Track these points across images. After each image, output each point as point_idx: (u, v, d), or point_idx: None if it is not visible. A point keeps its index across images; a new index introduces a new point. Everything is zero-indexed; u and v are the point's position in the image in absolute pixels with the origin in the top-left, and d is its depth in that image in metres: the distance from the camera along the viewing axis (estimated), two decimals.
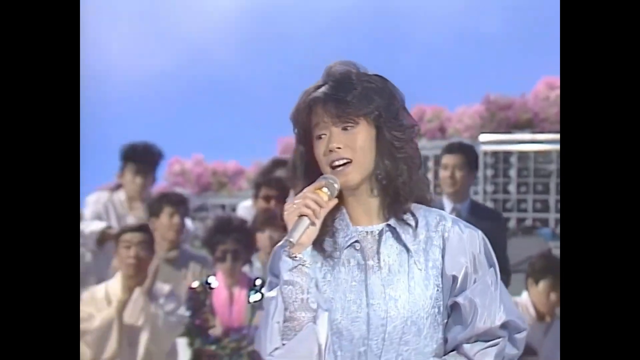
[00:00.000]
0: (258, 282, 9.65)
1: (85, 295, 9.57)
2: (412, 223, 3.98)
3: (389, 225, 3.94)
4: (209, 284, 9.69)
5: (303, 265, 3.82)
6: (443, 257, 3.93)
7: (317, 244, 3.95)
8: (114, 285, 9.56)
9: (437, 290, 3.96)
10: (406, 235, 3.94)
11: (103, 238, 10.98)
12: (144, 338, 9.56)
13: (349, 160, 3.83)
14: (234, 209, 11.62)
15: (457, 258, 3.94)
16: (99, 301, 9.54)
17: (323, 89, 3.99)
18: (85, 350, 9.39)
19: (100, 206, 11.58)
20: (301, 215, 3.79)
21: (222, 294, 9.56)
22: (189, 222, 11.71)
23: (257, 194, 11.74)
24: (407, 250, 3.95)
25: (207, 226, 10.71)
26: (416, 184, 4.01)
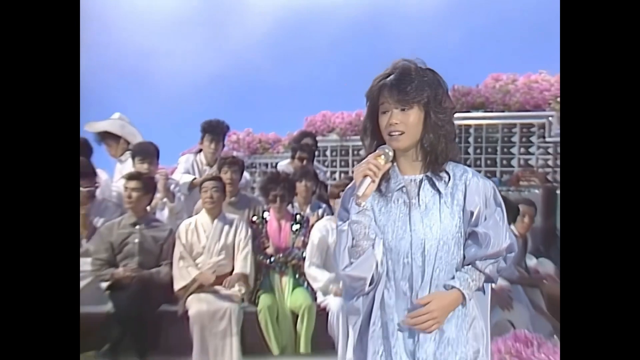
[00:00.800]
0: (298, 217, 10.05)
1: (181, 226, 9.60)
2: (444, 176, 4.12)
3: (427, 176, 4.09)
4: (264, 218, 9.94)
5: (366, 209, 3.99)
6: (464, 198, 4.07)
7: (377, 187, 4.09)
8: (201, 216, 9.65)
9: (460, 220, 4.13)
10: (439, 183, 4.08)
11: (191, 186, 10.85)
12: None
13: (402, 132, 3.95)
14: (275, 166, 11.74)
15: (474, 198, 4.10)
16: (191, 228, 9.54)
17: (390, 78, 4.07)
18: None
19: (188, 165, 11.40)
20: (365, 176, 3.92)
21: (273, 224, 9.81)
22: (246, 175, 11.57)
23: (293, 156, 11.65)
24: (439, 193, 4.11)
25: (262, 178, 11.15)
26: (451, 151, 4.16)
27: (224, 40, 19.42)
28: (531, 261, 10.67)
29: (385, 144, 4.07)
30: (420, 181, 4.08)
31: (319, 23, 18.47)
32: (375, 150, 4.07)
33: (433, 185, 4.08)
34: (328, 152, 12.58)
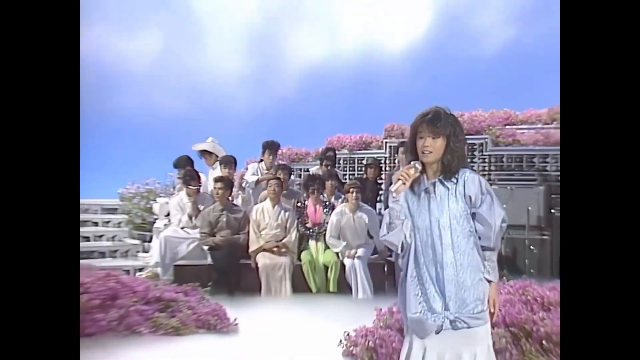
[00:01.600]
0: (326, 203, 10.20)
1: (253, 210, 9.98)
2: (453, 179, 4.32)
3: (439, 179, 4.29)
4: (305, 204, 10.19)
5: (398, 201, 4.27)
6: (464, 187, 4.29)
7: (410, 187, 4.36)
8: (266, 203, 9.88)
9: (463, 203, 4.29)
10: (448, 183, 4.29)
11: (256, 183, 11.03)
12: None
13: (431, 152, 4.22)
14: (307, 170, 12.15)
15: (470, 187, 4.31)
16: (259, 211, 9.87)
17: (428, 116, 4.33)
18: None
19: (254, 169, 11.44)
20: (398, 179, 4.24)
21: (311, 208, 10.07)
22: (292, 176, 11.54)
23: (321, 163, 11.62)
24: (448, 189, 4.29)
25: (303, 178, 11.22)
26: (460, 165, 4.39)
27: (271, 89, 19.46)
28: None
29: (418, 159, 4.39)
30: (434, 183, 4.34)
31: (335, 77, 18.67)
32: (409, 163, 4.37)
33: (443, 184, 4.34)
34: (341, 162, 13.06)
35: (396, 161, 10.40)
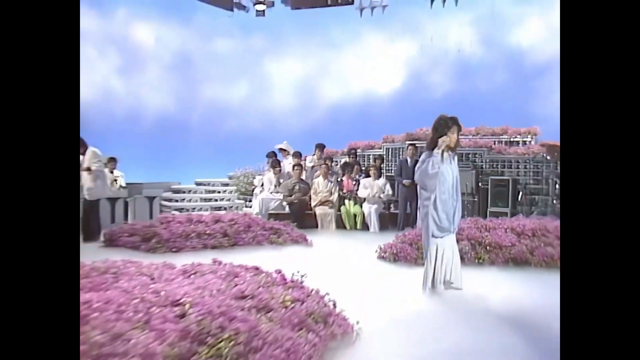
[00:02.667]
0: (354, 178, 10.41)
1: (314, 182, 10.16)
2: (455, 154, 4.56)
3: (448, 153, 4.51)
4: (342, 179, 10.42)
5: (435, 156, 4.43)
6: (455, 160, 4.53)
7: (441, 157, 4.52)
8: (319, 179, 9.98)
9: (456, 169, 4.59)
10: (452, 155, 4.56)
11: (312, 167, 11.04)
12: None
13: (451, 140, 4.45)
14: (339, 161, 12.39)
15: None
16: (316, 183, 10.03)
17: (452, 119, 4.58)
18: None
19: (311, 159, 11.46)
20: (443, 143, 4.48)
21: (346, 181, 10.33)
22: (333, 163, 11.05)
23: (348, 156, 11.51)
24: (454, 159, 4.57)
25: (341, 165, 11.19)
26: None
27: (311, 115, 19.60)
28: None
29: (432, 149, 4.59)
30: (449, 154, 4.58)
31: (349, 107, 18.75)
32: (430, 149, 4.58)
33: (453, 156, 4.62)
34: (357, 156, 13.26)
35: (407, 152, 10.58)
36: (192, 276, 3.40)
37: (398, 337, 3.30)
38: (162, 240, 6.90)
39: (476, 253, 6.12)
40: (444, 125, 4.54)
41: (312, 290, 3.49)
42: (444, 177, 4.62)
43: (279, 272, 3.68)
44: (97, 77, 16.49)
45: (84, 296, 2.88)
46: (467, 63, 17.31)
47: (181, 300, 2.85)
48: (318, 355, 2.71)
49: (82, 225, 7.69)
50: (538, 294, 4.53)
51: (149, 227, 7.20)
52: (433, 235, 4.58)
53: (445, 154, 4.60)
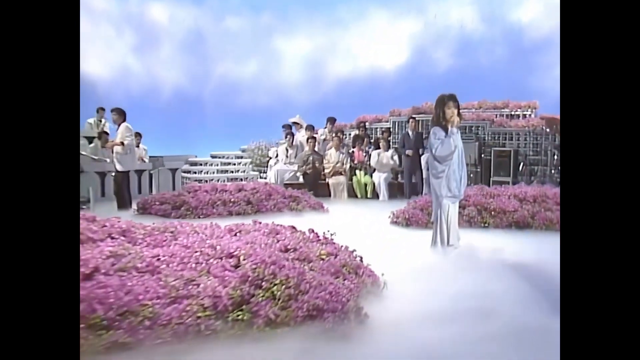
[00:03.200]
0: (365, 150, 10.75)
1: (327, 153, 10.49)
2: (458, 128, 4.74)
3: (457, 128, 4.74)
4: (353, 151, 10.73)
5: (453, 134, 4.69)
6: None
7: (445, 129, 4.77)
8: (332, 150, 10.26)
9: (460, 141, 4.79)
10: (457, 130, 4.76)
11: (324, 140, 11.29)
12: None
13: (452, 116, 4.70)
14: (350, 134, 12.57)
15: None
16: (329, 154, 10.34)
17: (450, 96, 4.83)
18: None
19: (322, 132, 11.58)
20: (454, 120, 4.74)
21: (356, 152, 10.64)
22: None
23: (358, 129, 11.75)
24: (459, 132, 4.81)
25: (352, 137, 11.56)
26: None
27: (323, 91, 19.68)
28: None
29: (437, 124, 4.86)
30: (454, 130, 4.79)
31: (358, 82, 18.87)
32: (435, 125, 4.84)
33: (456, 130, 4.81)
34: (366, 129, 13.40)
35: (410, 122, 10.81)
36: (238, 234, 3.75)
37: (419, 284, 3.67)
38: (190, 207, 7.27)
39: (482, 217, 6.47)
40: (442, 103, 4.84)
41: (342, 247, 3.85)
42: (456, 152, 4.96)
43: (312, 231, 4.03)
44: (115, 56, 16.74)
45: (151, 251, 3.25)
46: (469, 39, 17.46)
47: (235, 253, 3.21)
48: (354, 299, 3.07)
49: (116, 194, 8.08)
50: (538, 250, 4.86)
51: (177, 196, 7.56)
52: (445, 201, 4.90)
53: (451, 128, 4.89)
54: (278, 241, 3.53)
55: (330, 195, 10.09)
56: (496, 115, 12.32)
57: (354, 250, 3.88)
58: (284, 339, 2.69)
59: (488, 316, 3.14)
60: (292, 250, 3.41)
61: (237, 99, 18.99)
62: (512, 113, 12.47)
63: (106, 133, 10.28)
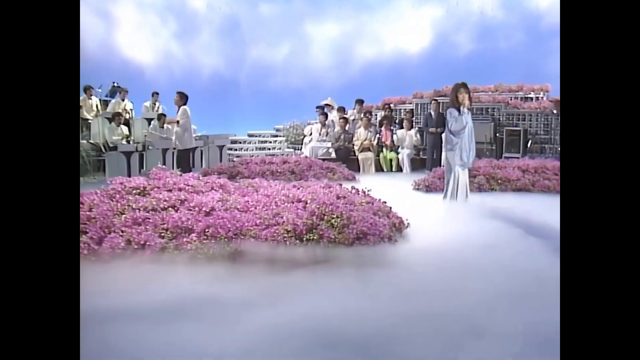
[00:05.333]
0: (391, 130, 11.73)
1: (356, 132, 11.57)
2: (469, 110, 5.88)
3: (468, 109, 5.84)
4: (381, 130, 11.69)
5: (463, 114, 5.88)
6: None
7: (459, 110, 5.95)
8: (361, 129, 11.27)
9: (470, 120, 6.02)
10: (468, 110, 5.86)
11: (353, 120, 12.09)
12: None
13: (464, 100, 5.86)
14: (377, 115, 13.53)
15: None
16: (358, 132, 11.37)
17: (463, 84, 5.93)
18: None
19: (351, 113, 12.42)
20: (465, 102, 5.94)
21: (383, 132, 11.61)
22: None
23: (384, 110, 12.61)
24: (471, 113, 5.97)
25: (380, 118, 12.63)
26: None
27: (351, 75, 20.69)
28: None
29: (452, 106, 6.07)
30: (466, 111, 5.96)
31: (384, 66, 19.69)
32: (451, 107, 6.10)
33: (467, 111, 5.96)
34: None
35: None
36: (300, 188, 5.13)
37: (436, 227, 5.04)
38: (244, 177, 8.63)
39: (490, 185, 7.75)
40: (455, 89, 6.13)
41: (376, 199, 5.21)
42: (467, 128, 6.26)
43: (353, 187, 5.40)
44: (159, 42, 18.12)
45: (245, 199, 4.65)
46: (489, 25, 18.38)
47: (303, 198, 4.62)
48: (387, 231, 4.44)
49: (180, 168, 9.51)
50: (532, 205, 6.26)
51: (233, 167, 8.96)
52: (456, 168, 6.23)
53: (463, 109, 6.17)
54: (332, 192, 4.90)
55: (359, 170, 11.16)
56: (511, 97, 13.38)
57: (385, 202, 5.24)
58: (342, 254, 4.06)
59: (491, 246, 4.45)
60: (342, 197, 4.79)
61: (270, 81, 20.27)
62: (526, 95, 13.49)
63: (164, 115, 11.64)
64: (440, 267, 3.97)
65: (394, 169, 11.46)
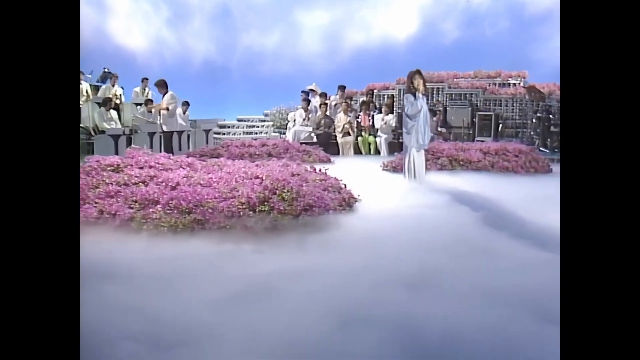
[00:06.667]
0: (370, 114, 12.09)
1: (336, 116, 12.20)
2: (424, 95, 6.50)
3: (422, 93, 6.41)
4: (360, 115, 12.07)
5: (418, 98, 6.49)
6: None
7: (414, 95, 6.54)
8: (341, 114, 11.56)
9: (426, 105, 6.51)
10: (423, 96, 6.42)
11: (335, 105, 12.53)
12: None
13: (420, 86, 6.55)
14: (357, 100, 13.94)
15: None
16: (338, 117, 11.74)
17: (417, 71, 6.51)
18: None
19: (334, 98, 12.97)
20: (421, 89, 6.55)
21: (363, 116, 12.01)
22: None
23: (366, 96, 13.32)
24: (426, 97, 6.41)
25: (360, 103, 13.00)
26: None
27: (337, 61, 21.09)
28: None
29: (408, 92, 6.60)
30: (421, 96, 6.47)
31: (369, 53, 20.03)
32: (407, 92, 6.58)
33: (422, 97, 6.46)
34: (373, 96, 14.92)
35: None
36: (260, 167, 5.67)
37: (384, 201, 5.61)
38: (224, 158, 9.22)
39: (452, 165, 8.25)
40: (411, 76, 6.65)
41: (332, 177, 5.75)
42: (421, 112, 6.77)
43: (312, 167, 5.94)
44: (151, 28, 18.58)
45: (209, 176, 5.19)
46: (474, 12, 18.81)
47: (260, 175, 5.16)
48: (334, 205, 4.99)
49: (164, 150, 10.04)
50: (481, 182, 6.90)
51: (214, 150, 9.49)
52: (412, 150, 6.76)
53: (418, 94, 6.68)
54: (287, 170, 5.45)
55: (339, 153, 11.68)
56: (489, 84, 13.89)
57: (341, 180, 5.78)
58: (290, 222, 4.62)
59: (425, 215, 5.06)
60: (296, 175, 5.34)
61: (261, 67, 20.75)
62: (504, 82, 13.99)
63: (150, 100, 12.12)
64: (376, 230, 4.57)
65: (372, 152, 11.88)
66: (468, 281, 3.22)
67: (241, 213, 4.57)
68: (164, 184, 4.87)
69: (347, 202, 5.33)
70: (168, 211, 4.52)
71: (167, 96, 9.99)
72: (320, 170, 5.79)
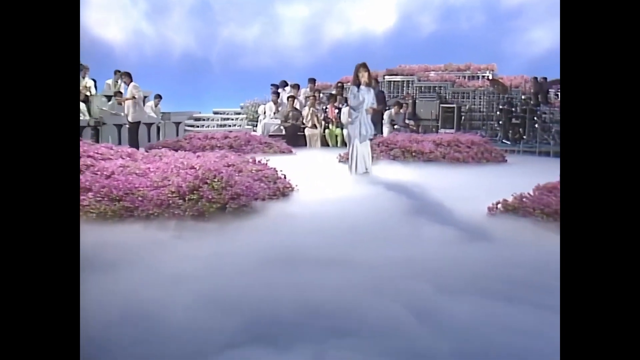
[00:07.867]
0: (338, 108, 12.35)
1: (304, 111, 12.67)
2: (370, 88, 6.81)
3: (368, 86, 6.73)
4: (327, 107, 12.24)
5: (360, 90, 6.61)
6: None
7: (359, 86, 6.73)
8: (309, 107, 12.46)
9: (373, 98, 6.83)
10: (365, 87, 6.88)
11: (306, 98, 12.73)
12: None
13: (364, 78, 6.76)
14: (328, 93, 14.09)
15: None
16: (306, 110, 11.99)
17: (363, 64, 6.66)
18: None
19: (304, 91, 13.15)
20: (366, 81, 6.67)
21: (330, 109, 12.18)
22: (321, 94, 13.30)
23: (335, 88, 13.09)
24: (369, 90, 6.76)
25: (327, 96, 13.12)
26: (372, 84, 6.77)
27: (315, 54, 21.27)
28: None
29: (354, 84, 6.76)
30: (367, 89, 6.66)
31: (347, 47, 20.21)
32: (352, 85, 7.03)
33: (368, 89, 6.66)
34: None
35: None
36: (199, 157, 5.86)
37: (329, 189, 5.87)
38: (185, 150, 9.37)
39: (404, 157, 8.51)
40: (356, 69, 6.81)
41: (271, 168, 5.96)
42: (364, 104, 6.97)
43: (252, 158, 6.15)
44: (129, 21, 18.69)
45: (147, 165, 5.38)
46: (451, 6, 19.02)
47: (195, 165, 5.36)
48: (265, 195, 5.20)
49: (129, 142, 10.23)
50: (428, 173, 7.10)
51: (176, 142, 9.67)
52: (356, 141, 6.97)
53: (364, 87, 6.88)
54: (222, 161, 5.65)
55: (306, 145, 11.90)
56: (459, 76, 14.14)
57: (281, 170, 5.99)
58: (218, 211, 4.84)
59: (355, 202, 5.31)
60: (231, 165, 5.54)
61: (241, 60, 20.91)
62: (473, 75, 14.24)
63: (120, 93, 12.24)
64: (299, 216, 4.84)
65: (339, 144, 12.05)
66: (380, 255, 3.55)
67: (170, 201, 4.77)
68: (99, 172, 5.05)
69: (282, 192, 5.53)
70: (98, 199, 4.70)
71: (130, 86, 10.19)
72: (259, 161, 5.98)
